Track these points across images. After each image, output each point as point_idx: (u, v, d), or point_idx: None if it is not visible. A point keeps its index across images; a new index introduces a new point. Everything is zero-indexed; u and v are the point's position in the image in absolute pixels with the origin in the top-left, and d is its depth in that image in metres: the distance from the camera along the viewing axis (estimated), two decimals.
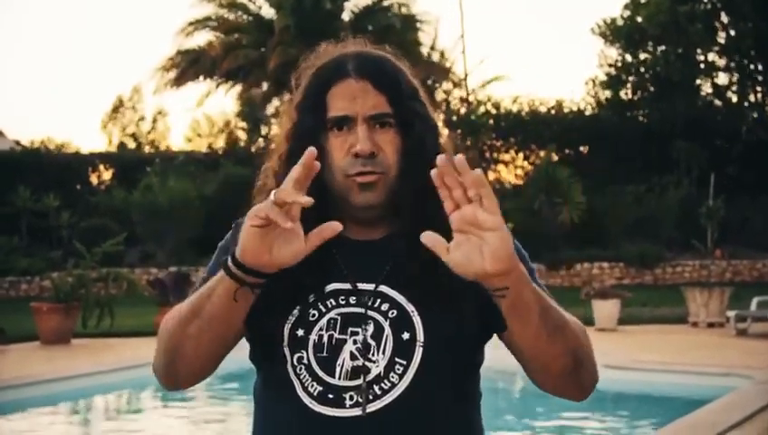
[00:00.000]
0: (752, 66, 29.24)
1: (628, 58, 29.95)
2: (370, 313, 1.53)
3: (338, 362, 1.50)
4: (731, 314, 13.01)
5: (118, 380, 9.61)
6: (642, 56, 29.73)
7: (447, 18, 55.18)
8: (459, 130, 24.37)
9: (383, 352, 1.50)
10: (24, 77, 67.21)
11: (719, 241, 21.82)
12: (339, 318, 1.53)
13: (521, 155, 27.08)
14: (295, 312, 1.53)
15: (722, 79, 29.83)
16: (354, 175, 1.53)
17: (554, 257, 20.70)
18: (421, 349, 1.50)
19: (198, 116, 42.38)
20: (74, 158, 27.37)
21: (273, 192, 1.33)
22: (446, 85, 29.50)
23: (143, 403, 9.55)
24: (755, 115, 28.58)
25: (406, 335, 1.51)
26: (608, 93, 29.99)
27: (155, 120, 43.72)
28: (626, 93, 30.00)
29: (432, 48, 29.40)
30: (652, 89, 29.15)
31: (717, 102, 29.58)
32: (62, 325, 12.17)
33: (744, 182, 24.67)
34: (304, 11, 26.15)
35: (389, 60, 1.62)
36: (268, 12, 28.10)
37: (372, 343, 1.51)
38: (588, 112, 28.85)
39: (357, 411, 1.48)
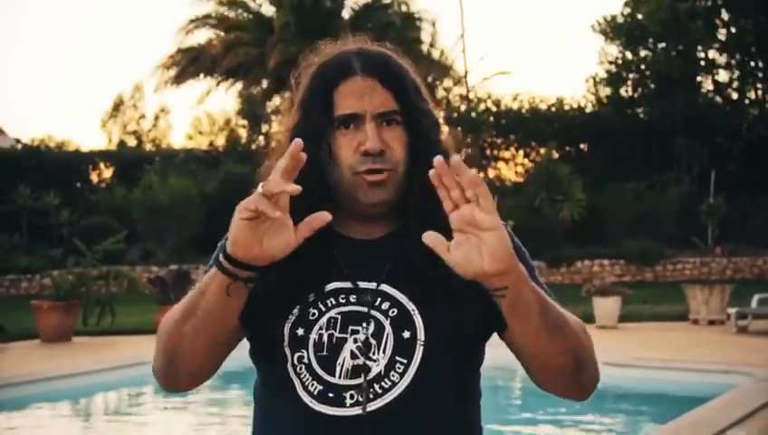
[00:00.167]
0: (752, 63, 29.22)
1: (629, 55, 29.93)
2: (371, 311, 1.52)
3: (338, 361, 1.50)
4: (731, 311, 13.01)
5: (119, 378, 9.61)
6: (643, 53, 29.72)
7: (447, 16, 55.14)
8: (460, 128, 24.35)
9: (384, 351, 1.50)
10: (24, 75, 67.19)
11: (720, 238, 21.81)
12: (339, 317, 1.53)
13: (521, 152, 27.08)
14: (295, 311, 1.53)
15: (722, 76, 29.83)
16: (363, 172, 1.52)
17: (555, 255, 20.70)
18: (422, 348, 1.50)
19: (199, 114, 42.44)
20: (75, 156, 27.38)
21: (260, 184, 1.33)
22: (447, 83, 29.48)
23: (144, 401, 9.55)
24: (756, 112, 28.58)
25: (406, 334, 1.51)
26: (608, 91, 29.98)
27: (156, 118, 43.73)
28: (626, 91, 29.99)
29: (432, 46, 29.39)
30: (653, 86, 29.14)
31: (718, 100, 29.56)
32: (63, 323, 12.18)
33: (745, 180, 24.67)
34: (304, 9, 26.15)
35: (393, 57, 1.62)
36: (268, 10, 28.09)
37: (373, 341, 1.50)
38: (588, 110, 28.85)
39: (357, 410, 1.47)
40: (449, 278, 1.42)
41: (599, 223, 21.68)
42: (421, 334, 1.50)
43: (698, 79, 29.42)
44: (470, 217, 1.30)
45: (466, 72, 27.00)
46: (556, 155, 24.62)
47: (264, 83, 28.13)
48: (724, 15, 28.62)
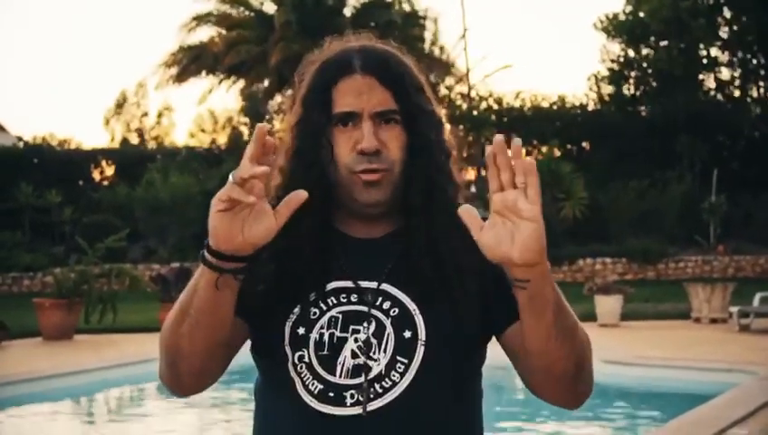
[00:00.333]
0: (754, 61, 29.19)
1: (631, 53, 29.90)
2: (372, 311, 1.52)
3: (339, 361, 1.50)
4: (734, 309, 13.00)
5: (120, 375, 9.62)
6: (644, 51, 29.68)
7: (449, 14, 55.20)
8: (461, 126, 24.34)
9: (384, 351, 1.49)
10: (26, 73, 67.26)
11: (722, 236, 21.83)
12: (340, 316, 1.52)
13: (523, 151, 27.00)
14: (296, 310, 1.53)
15: (724, 74, 29.80)
16: (359, 172, 1.52)
17: (557, 253, 20.68)
18: (423, 347, 1.49)
19: (201, 112, 42.45)
20: (76, 154, 27.42)
21: (231, 174, 1.33)
22: (449, 81, 29.47)
23: (146, 399, 9.56)
24: (758, 110, 28.55)
25: (407, 334, 1.50)
26: (610, 89, 29.94)
27: (160, 116, 43.78)
28: (628, 89, 29.95)
29: (434, 44, 29.39)
30: (654, 84, 29.11)
31: (720, 97, 29.54)
32: (65, 321, 12.19)
33: (747, 178, 24.65)
34: (306, 7, 26.16)
35: (395, 55, 1.61)
36: (270, 7, 28.10)
37: (374, 341, 1.50)
38: (590, 108, 28.83)
39: (357, 410, 1.47)
40: (450, 278, 1.41)
41: (601, 221, 21.68)
42: (422, 334, 1.50)
43: (700, 77, 29.39)
44: (513, 202, 1.29)
45: (468, 71, 26.99)
46: (558, 153, 24.62)
47: (266, 81, 28.13)
48: (726, 13, 28.58)
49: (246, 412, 7.24)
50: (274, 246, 1.41)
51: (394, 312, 1.51)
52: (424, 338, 1.50)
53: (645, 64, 29.55)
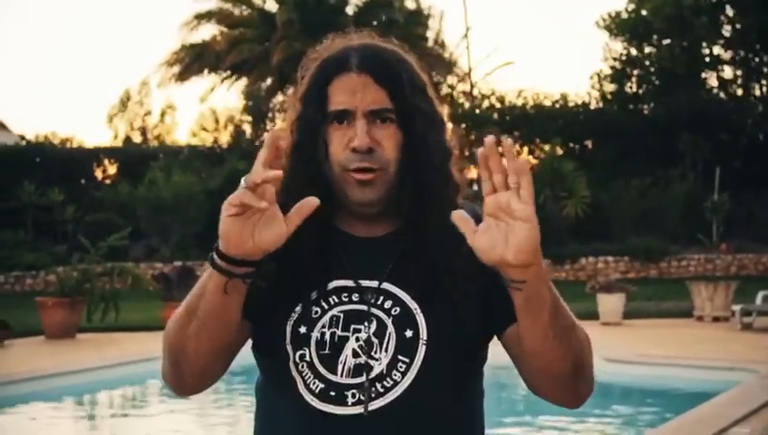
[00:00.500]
0: (757, 60, 29.17)
1: (633, 51, 29.90)
2: (373, 310, 1.51)
3: (340, 360, 1.49)
4: (736, 308, 13.01)
5: (122, 374, 9.62)
6: (647, 50, 29.67)
7: (451, 12, 55.12)
8: (463, 125, 24.34)
9: (386, 350, 1.49)
10: (27, 72, 67.29)
11: (724, 235, 21.81)
12: (341, 315, 1.52)
13: (525, 149, 27.05)
14: (298, 309, 1.52)
15: (727, 72, 29.79)
16: (352, 170, 1.51)
17: (559, 251, 20.68)
18: (424, 347, 1.49)
19: (204, 110, 42.46)
20: (79, 152, 27.45)
21: (243, 178, 1.32)
22: (451, 79, 29.46)
23: (148, 398, 9.56)
24: (760, 109, 28.53)
25: (409, 333, 1.50)
26: (612, 87, 29.94)
27: (163, 114, 43.80)
28: (631, 87, 29.94)
29: (436, 42, 29.37)
30: (657, 82, 29.10)
31: (722, 96, 29.52)
32: (67, 320, 12.20)
33: (750, 176, 24.64)
34: (308, 5, 26.16)
35: (395, 53, 1.60)
36: (272, 6, 28.08)
37: (375, 340, 1.49)
38: (592, 106, 28.82)
39: (359, 409, 1.47)
40: (451, 278, 1.41)
41: (603, 219, 21.67)
42: (424, 333, 1.49)
43: (703, 75, 29.39)
44: (506, 203, 1.28)
45: (470, 69, 26.99)
46: (560, 151, 24.60)
47: (269, 80, 28.13)
48: (729, 12, 28.57)
49: (248, 409, 7.24)
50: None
51: (395, 311, 1.51)
52: (425, 337, 1.49)
53: (647, 63, 29.55)
